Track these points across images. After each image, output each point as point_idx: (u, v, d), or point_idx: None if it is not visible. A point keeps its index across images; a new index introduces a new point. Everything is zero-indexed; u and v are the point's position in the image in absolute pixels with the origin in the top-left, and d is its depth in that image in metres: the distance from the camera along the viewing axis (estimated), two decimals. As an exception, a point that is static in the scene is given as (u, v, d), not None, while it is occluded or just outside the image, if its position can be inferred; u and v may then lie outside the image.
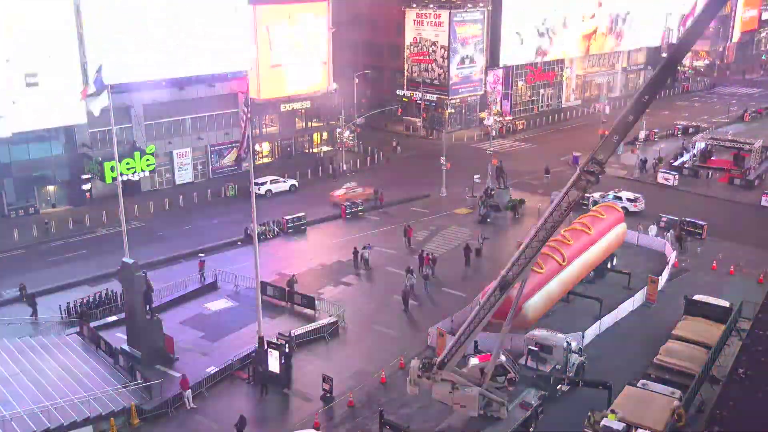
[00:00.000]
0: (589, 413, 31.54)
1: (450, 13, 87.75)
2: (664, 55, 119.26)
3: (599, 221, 48.01)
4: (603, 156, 27.57)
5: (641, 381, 34.21)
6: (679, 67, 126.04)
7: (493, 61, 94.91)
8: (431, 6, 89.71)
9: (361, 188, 66.37)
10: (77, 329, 42.27)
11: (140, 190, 67.67)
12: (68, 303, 44.48)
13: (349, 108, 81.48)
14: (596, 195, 61.15)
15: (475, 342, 37.50)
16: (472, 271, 50.78)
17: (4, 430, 32.21)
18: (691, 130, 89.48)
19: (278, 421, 35.15)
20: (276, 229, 57.08)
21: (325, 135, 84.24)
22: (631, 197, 62.47)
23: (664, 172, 71.39)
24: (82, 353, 39.74)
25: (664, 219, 58.75)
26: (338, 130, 79.25)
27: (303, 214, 59.91)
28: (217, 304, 46.01)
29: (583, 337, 39.37)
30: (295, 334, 40.68)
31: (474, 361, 32.96)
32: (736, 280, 48.67)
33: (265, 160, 78.55)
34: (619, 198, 62.10)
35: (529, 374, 34.75)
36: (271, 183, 68.29)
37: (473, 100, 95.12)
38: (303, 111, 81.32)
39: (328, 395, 35.89)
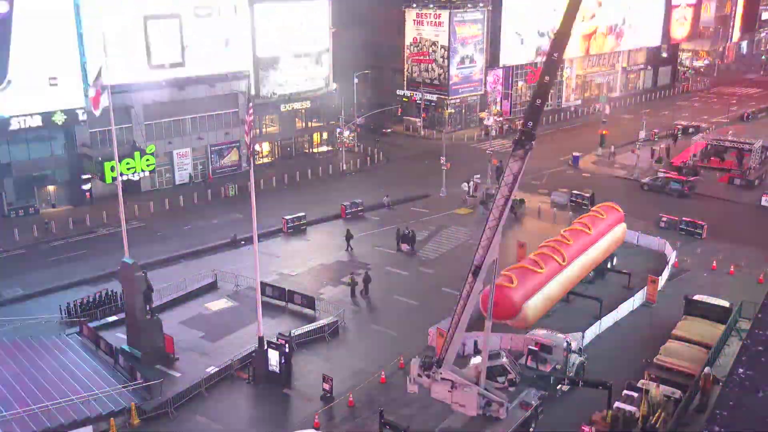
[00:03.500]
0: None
1: (450, 13, 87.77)
2: (665, 55, 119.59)
3: (599, 221, 48.03)
4: (531, 124, 28.60)
5: (641, 381, 34.22)
6: (679, 67, 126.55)
7: (493, 61, 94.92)
8: (431, 6, 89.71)
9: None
10: (77, 329, 42.28)
11: (140, 190, 67.68)
12: (68, 303, 44.47)
13: (349, 108, 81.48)
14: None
15: (475, 341, 37.59)
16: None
17: (4, 430, 32.21)
18: (691, 130, 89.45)
19: (278, 421, 35.15)
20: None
21: (325, 135, 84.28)
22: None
23: (664, 172, 71.35)
24: (82, 353, 39.74)
25: (664, 219, 58.78)
26: (338, 130, 79.27)
27: (303, 214, 59.93)
28: (217, 304, 46.00)
29: (583, 337, 39.36)
30: (295, 334, 40.69)
31: (475, 360, 32.98)
32: (736, 280, 48.69)
33: (265, 160, 78.63)
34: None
35: (529, 374, 34.75)
36: None
37: (473, 100, 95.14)
38: (303, 111, 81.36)
39: (328, 395, 35.89)
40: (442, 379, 31.21)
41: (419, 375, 31.71)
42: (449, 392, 31.29)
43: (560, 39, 28.67)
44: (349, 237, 54.87)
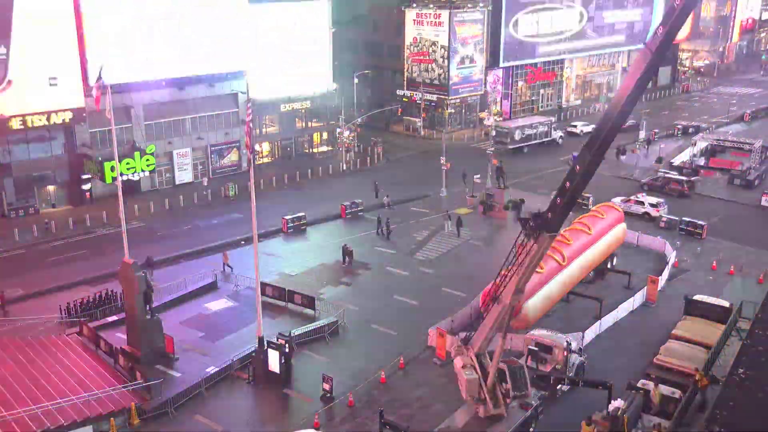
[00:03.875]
0: None
1: (450, 13, 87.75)
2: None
3: (599, 221, 48.00)
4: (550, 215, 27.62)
5: (641, 381, 34.22)
6: (679, 67, 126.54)
7: (493, 61, 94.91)
8: (431, 6, 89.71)
9: None
10: (77, 329, 42.28)
11: (140, 190, 67.68)
12: (68, 303, 44.48)
13: (349, 108, 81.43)
14: (617, 200, 60.13)
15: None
16: (472, 269, 50.62)
17: (5, 430, 32.22)
18: (691, 130, 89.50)
19: (278, 421, 35.16)
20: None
21: (325, 135, 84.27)
22: (654, 202, 61.01)
23: (664, 172, 71.40)
24: (82, 353, 39.75)
25: (664, 219, 58.79)
26: (338, 130, 79.27)
27: (303, 213, 59.92)
28: (217, 304, 46.02)
29: (583, 337, 39.38)
30: (295, 334, 40.70)
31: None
32: (736, 280, 48.70)
33: (265, 160, 78.63)
34: (641, 203, 61.06)
35: (528, 374, 34.71)
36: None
37: (473, 100, 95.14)
38: (303, 111, 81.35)
39: (328, 395, 35.91)
40: (468, 356, 31.62)
41: (458, 346, 32.33)
42: (460, 368, 31.69)
43: (595, 140, 26.41)
44: (458, 223, 58.02)
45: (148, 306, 39.02)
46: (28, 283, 48.70)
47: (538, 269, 40.29)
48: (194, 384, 36.55)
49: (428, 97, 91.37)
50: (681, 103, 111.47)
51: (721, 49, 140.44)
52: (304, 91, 79.36)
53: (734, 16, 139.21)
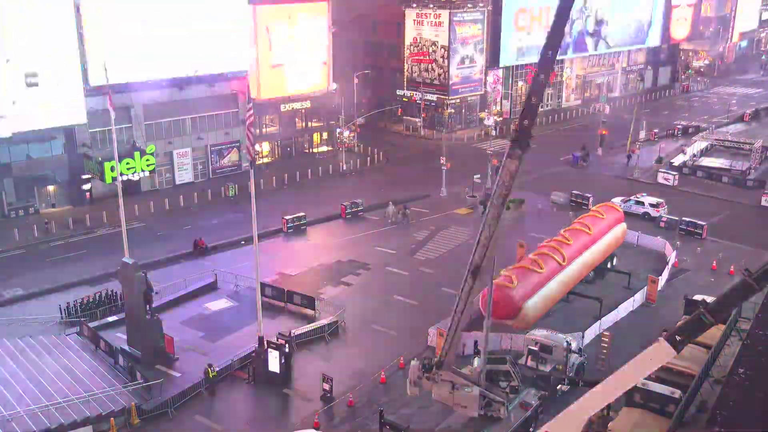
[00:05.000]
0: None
1: (450, 13, 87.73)
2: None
3: (599, 221, 48.02)
4: (527, 122, 28.02)
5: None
6: (679, 67, 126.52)
7: (493, 61, 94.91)
8: (431, 6, 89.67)
9: None
10: (77, 329, 42.27)
11: (140, 190, 67.67)
12: (68, 303, 44.47)
13: (349, 108, 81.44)
14: (617, 200, 60.03)
15: (475, 341, 37.58)
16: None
17: (4, 430, 32.22)
18: (691, 130, 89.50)
19: (278, 421, 35.16)
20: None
21: (325, 135, 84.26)
22: (654, 202, 61.01)
23: (664, 172, 71.40)
24: (82, 353, 39.75)
25: (664, 219, 58.78)
26: (338, 130, 79.22)
27: (303, 214, 59.91)
28: (217, 304, 46.02)
29: (583, 337, 39.37)
30: (295, 334, 40.70)
31: (477, 361, 33.02)
32: (736, 280, 48.61)
33: (266, 160, 78.62)
34: (641, 203, 60.96)
35: (529, 374, 34.76)
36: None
37: (473, 100, 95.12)
38: (303, 111, 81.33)
39: (328, 395, 35.91)
40: (443, 380, 31.20)
41: (419, 377, 31.68)
42: (450, 393, 31.27)
43: (554, 37, 27.77)
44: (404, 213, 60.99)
45: (148, 306, 39.01)
46: (28, 283, 48.71)
47: (538, 269, 40.49)
48: (194, 384, 36.54)
49: (428, 97, 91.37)
50: (681, 103, 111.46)
51: (720, 49, 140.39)
52: (304, 91, 79.36)
53: (734, 16, 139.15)
